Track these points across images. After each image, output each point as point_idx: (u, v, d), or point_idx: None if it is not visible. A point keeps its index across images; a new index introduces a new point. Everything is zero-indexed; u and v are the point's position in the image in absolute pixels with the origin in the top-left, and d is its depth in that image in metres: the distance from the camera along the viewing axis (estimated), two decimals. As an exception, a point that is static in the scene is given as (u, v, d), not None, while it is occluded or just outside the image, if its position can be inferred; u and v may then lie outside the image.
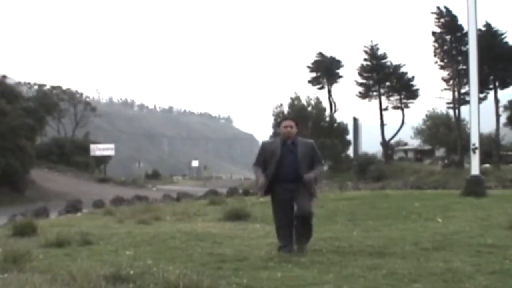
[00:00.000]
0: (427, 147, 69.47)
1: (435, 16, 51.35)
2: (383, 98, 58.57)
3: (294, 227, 6.33)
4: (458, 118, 52.13)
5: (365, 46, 58.84)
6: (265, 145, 6.64)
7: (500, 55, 46.26)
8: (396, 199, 14.25)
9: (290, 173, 6.25)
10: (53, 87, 71.11)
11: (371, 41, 59.73)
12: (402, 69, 58.36)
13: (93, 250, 7.09)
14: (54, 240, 7.52)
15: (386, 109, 58.60)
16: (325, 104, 63.35)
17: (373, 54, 58.45)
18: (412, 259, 5.81)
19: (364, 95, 59.33)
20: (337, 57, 62.83)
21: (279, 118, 49.39)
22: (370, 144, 61.28)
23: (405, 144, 74.25)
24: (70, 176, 54.86)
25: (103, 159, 68.65)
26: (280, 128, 6.48)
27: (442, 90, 53.41)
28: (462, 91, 49.63)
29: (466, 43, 25.20)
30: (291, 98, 63.64)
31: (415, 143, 72.67)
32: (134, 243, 7.72)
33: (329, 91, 62.88)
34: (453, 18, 50.08)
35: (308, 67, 63.02)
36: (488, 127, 48.62)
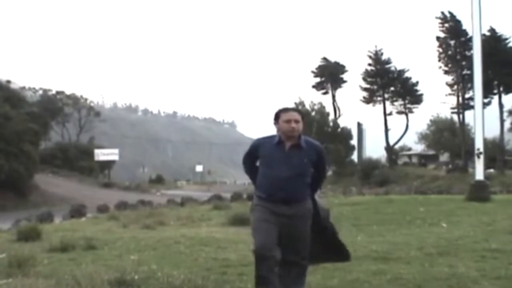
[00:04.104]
0: (431, 152, 69.40)
1: (439, 21, 51.50)
2: (387, 103, 58.68)
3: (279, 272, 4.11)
4: (462, 123, 52.13)
5: (369, 51, 59.06)
6: (257, 144, 4.51)
7: (505, 60, 46.26)
8: (400, 204, 14.21)
9: (284, 190, 4.13)
10: (57, 92, 71.52)
11: (375, 46, 59.98)
12: (406, 74, 58.52)
13: (98, 255, 7.10)
14: (59, 245, 7.55)
15: (390, 114, 58.73)
16: (329, 109, 63.45)
17: (377, 59, 58.50)
18: (416, 264, 5.79)
19: (368, 100, 59.38)
20: (341, 62, 63.18)
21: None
22: (374, 149, 61.18)
23: (409, 149, 74.17)
24: (74, 181, 54.88)
25: (107, 164, 68.74)
26: (280, 123, 4.30)
27: (446, 95, 53.57)
28: (466, 96, 49.69)
29: (471, 48, 25.17)
30: (295, 103, 63.62)
31: (419, 148, 72.68)
32: (138, 248, 7.72)
33: (333, 96, 63.06)
34: (457, 23, 50.14)
35: (312, 72, 63.21)
36: (492, 132, 48.57)
